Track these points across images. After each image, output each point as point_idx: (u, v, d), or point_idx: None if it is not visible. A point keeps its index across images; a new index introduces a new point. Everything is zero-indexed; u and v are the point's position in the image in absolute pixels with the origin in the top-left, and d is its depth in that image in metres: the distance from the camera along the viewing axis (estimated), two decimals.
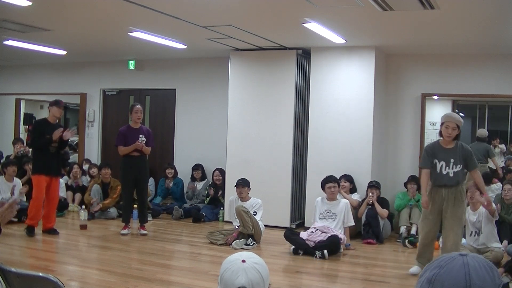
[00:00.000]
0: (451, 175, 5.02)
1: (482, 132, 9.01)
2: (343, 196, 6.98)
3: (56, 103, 6.70)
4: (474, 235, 5.78)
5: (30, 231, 6.59)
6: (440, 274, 1.28)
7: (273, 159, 7.82)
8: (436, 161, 5.07)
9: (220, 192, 8.35)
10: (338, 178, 6.93)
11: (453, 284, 1.25)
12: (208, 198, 8.45)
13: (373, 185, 7.17)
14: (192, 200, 8.79)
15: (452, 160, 5.02)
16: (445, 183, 5.03)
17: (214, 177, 8.49)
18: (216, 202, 8.42)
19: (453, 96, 8.71)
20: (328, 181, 6.50)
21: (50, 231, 6.73)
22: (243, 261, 1.71)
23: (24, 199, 7.77)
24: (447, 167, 5.02)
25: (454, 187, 5.02)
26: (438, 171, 5.06)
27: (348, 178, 7.37)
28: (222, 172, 8.43)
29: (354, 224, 6.58)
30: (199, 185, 8.82)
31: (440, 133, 5.12)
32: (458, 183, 5.04)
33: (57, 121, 6.93)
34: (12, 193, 7.49)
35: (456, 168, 5.02)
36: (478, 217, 5.74)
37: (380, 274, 5.37)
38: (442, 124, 5.07)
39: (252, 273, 1.69)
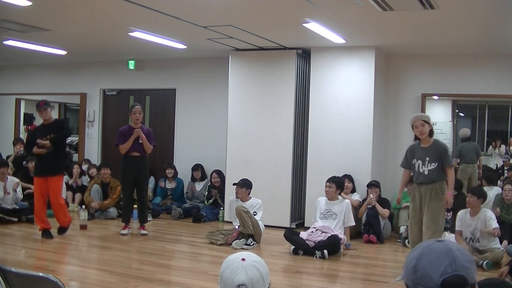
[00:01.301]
0: (426, 173, 5.16)
1: (466, 131, 9.03)
2: (342, 196, 6.97)
3: (37, 107, 6.61)
4: (469, 241, 5.71)
5: (45, 234, 6.55)
6: (409, 255, 1.43)
7: (273, 159, 7.81)
8: (415, 160, 5.25)
9: (218, 194, 8.36)
10: (332, 176, 6.88)
11: (408, 264, 1.40)
12: (211, 200, 8.44)
13: (373, 184, 7.17)
14: (192, 200, 8.80)
15: (427, 159, 5.15)
16: (422, 181, 5.19)
17: (212, 179, 8.47)
18: (216, 202, 8.41)
19: (453, 96, 8.74)
20: (326, 181, 6.52)
21: (60, 231, 6.72)
22: (243, 259, 1.72)
23: (21, 196, 7.77)
24: (423, 166, 5.17)
25: (431, 184, 5.13)
26: (416, 169, 5.23)
27: (349, 178, 7.37)
28: (220, 173, 8.42)
29: (354, 224, 6.58)
30: (199, 185, 8.82)
31: (416, 137, 5.28)
32: (434, 181, 5.13)
33: (53, 119, 6.73)
34: (5, 192, 7.46)
35: (430, 166, 5.12)
36: (476, 224, 5.65)
37: (380, 274, 5.38)
38: (412, 127, 5.22)
39: (252, 271, 1.70)
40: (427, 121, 5.15)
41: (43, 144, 6.46)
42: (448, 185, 5.17)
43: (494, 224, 5.59)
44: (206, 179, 8.81)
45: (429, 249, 1.37)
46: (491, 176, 7.75)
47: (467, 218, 5.73)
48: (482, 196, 5.77)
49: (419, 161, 5.19)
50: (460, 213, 5.84)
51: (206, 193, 8.52)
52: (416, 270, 1.34)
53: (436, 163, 5.10)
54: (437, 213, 5.09)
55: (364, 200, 7.20)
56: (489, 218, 5.62)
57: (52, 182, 6.59)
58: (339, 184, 6.61)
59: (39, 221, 6.59)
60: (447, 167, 5.15)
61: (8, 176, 7.67)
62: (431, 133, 5.18)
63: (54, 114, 10.75)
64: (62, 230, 6.75)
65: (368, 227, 6.96)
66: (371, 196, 7.02)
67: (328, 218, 6.37)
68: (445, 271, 1.32)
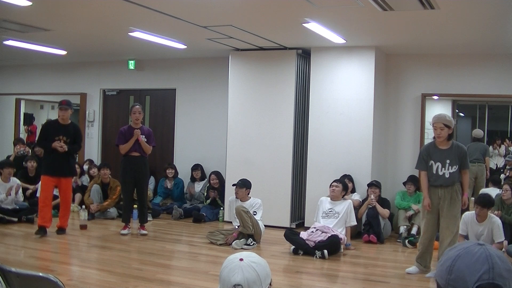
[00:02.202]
0: (447, 176, 5.06)
1: (478, 132, 9.08)
2: (343, 198, 6.97)
3: (59, 104, 6.78)
4: None
5: (40, 231, 6.56)
6: (445, 253, 1.37)
7: (273, 159, 7.81)
8: (432, 162, 5.12)
9: (218, 196, 8.36)
10: (339, 178, 6.90)
11: (443, 263, 1.34)
12: (209, 200, 8.44)
13: (373, 184, 7.16)
14: (191, 201, 8.79)
15: (448, 161, 5.05)
16: (441, 184, 5.09)
17: (211, 181, 8.45)
18: (215, 202, 8.41)
19: (453, 96, 8.72)
20: (333, 181, 6.55)
21: (59, 231, 6.75)
22: (241, 259, 1.73)
23: (22, 199, 7.77)
24: (443, 168, 5.07)
25: (450, 186, 5.08)
26: (434, 172, 5.10)
27: (350, 178, 7.37)
28: (218, 175, 8.42)
29: (356, 223, 6.58)
30: (199, 185, 8.82)
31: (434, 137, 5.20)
32: (454, 183, 5.09)
33: (69, 121, 6.76)
34: (9, 194, 7.47)
35: (452, 169, 5.05)
36: (482, 231, 5.61)
37: (380, 274, 5.37)
38: (432, 125, 5.14)
39: (249, 271, 1.70)
40: (448, 125, 5.01)
41: (59, 146, 6.51)
42: (463, 186, 5.15)
43: (500, 237, 5.55)
44: (206, 179, 8.81)
45: (467, 251, 1.30)
46: (497, 179, 7.75)
47: (473, 222, 5.67)
48: (490, 205, 5.72)
49: (438, 163, 5.07)
50: (466, 216, 5.72)
51: (205, 193, 8.52)
52: (451, 271, 1.29)
53: (457, 166, 5.05)
54: (457, 215, 5.11)
55: (364, 200, 7.21)
56: (497, 227, 5.56)
57: (65, 183, 6.71)
58: (345, 186, 6.63)
59: (41, 219, 6.58)
60: (464, 170, 5.13)
61: (11, 177, 7.68)
62: (450, 136, 5.08)
63: (54, 114, 10.80)
64: (62, 230, 6.77)
65: (368, 227, 6.96)
66: (372, 196, 7.02)
67: (331, 217, 6.38)
68: (481, 278, 1.25)
